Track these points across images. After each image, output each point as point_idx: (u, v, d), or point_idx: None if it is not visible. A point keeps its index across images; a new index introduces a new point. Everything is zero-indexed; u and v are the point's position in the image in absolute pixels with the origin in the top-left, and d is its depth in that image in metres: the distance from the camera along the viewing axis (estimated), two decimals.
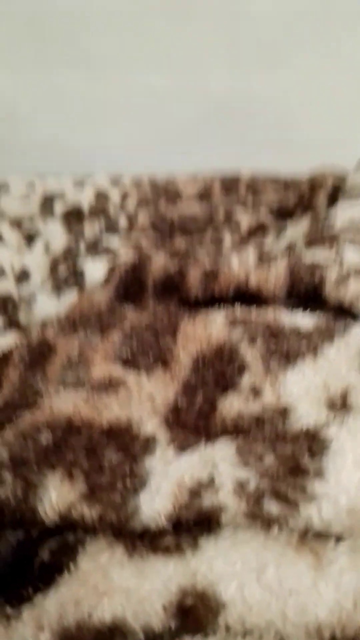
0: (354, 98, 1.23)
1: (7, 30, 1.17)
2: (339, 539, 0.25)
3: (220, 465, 0.27)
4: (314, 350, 0.36)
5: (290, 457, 0.26)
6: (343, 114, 1.23)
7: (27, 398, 0.35)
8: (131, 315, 0.41)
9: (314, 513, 0.25)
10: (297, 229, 0.81)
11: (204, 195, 1.00)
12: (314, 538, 0.25)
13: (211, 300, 0.49)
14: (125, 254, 0.71)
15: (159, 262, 0.52)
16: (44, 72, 1.18)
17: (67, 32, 1.18)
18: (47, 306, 0.66)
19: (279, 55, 1.21)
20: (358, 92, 1.23)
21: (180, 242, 0.85)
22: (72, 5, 1.15)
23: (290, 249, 0.72)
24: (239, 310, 0.42)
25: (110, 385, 0.34)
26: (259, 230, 0.92)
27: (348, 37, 1.20)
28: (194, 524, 0.26)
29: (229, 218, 0.93)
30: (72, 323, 0.41)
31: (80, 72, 1.19)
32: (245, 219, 0.93)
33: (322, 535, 0.25)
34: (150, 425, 0.31)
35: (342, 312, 0.46)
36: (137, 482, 0.27)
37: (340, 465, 0.26)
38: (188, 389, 0.35)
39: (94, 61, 1.19)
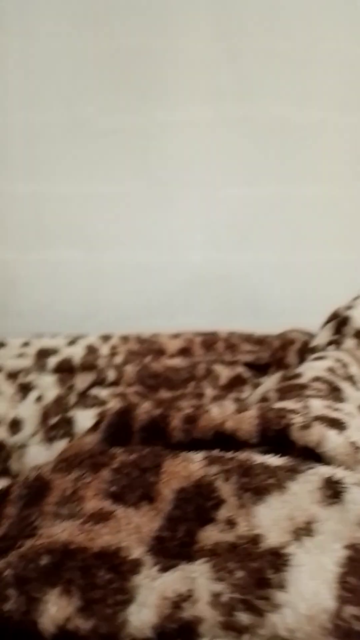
0: (314, 273, 1.41)
1: (13, 211, 1.35)
2: None
3: (198, 580, 0.31)
4: (280, 486, 0.41)
5: (257, 571, 0.31)
6: (306, 287, 1.39)
7: (24, 531, 0.39)
8: (120, 456, 0.46)
9: (279, 620, 0.29)
10: (270, 382, 0.89)
11: (186, 351, 1.10)
12: None
13: (193, 443, 0.54)
14: (114, 403, 0.77)
15: (145, 408, 0.58)
16: (44, 248, 1.35)
17: (65, 215, 1.36)
18: (38, 455, 0.70)
19: (249, 235, 1.40)
20: (317, 268, 1.41)
21: (164, 395, 0.91)
22: (71, 190, 1.35)
23: (264, 400, 0.79)
24: (216, 451, 0.48)
25: (101, 517, 0.39)
26: (237, 383, 1.00)
27: (307, 221, 1.41)
28: (176, 634, 0.29)
29: (209, 372, 1.01)
30: (67, 462, 0.46)
31: (77, 248, 1.36)
32: (224, 373, 1.01)
33: None
34: (137, 551, 0.35)
35: (309, 455, 0.51)
36: (126, 597, 0.30)
37: (298, 577, 0.30)
38: (171, 522, 0.39)
39: (89, 239, 1.36)
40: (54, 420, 0.75)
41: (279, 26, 1.36)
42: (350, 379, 0.80)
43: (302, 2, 1.36)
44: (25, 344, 1.03)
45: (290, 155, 1.41)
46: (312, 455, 0.51)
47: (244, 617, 0.29)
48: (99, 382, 0.90)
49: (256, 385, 0.96)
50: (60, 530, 0.36)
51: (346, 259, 1.41)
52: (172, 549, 0.37)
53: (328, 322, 0.99)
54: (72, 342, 1.04)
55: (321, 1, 1.36)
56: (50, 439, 0.71)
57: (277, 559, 0.32)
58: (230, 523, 0.39)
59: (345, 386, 0.76)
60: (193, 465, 0.44)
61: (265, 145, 1.39)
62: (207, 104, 1.36)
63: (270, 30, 1.36)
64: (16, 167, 1.33)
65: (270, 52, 1.37)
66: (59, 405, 0.80)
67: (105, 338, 1.09)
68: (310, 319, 1.05)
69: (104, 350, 1.04)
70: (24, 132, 1.33)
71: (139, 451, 0.47)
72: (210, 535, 0.38)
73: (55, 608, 0.30)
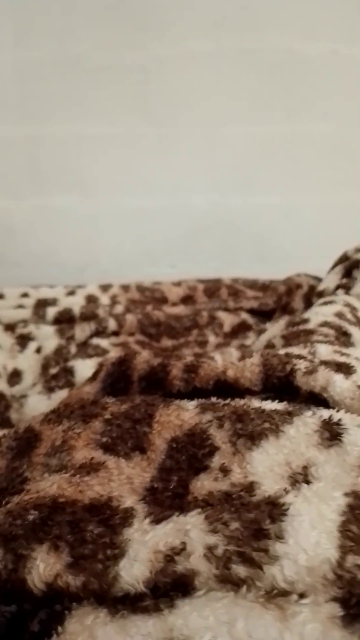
0: (321, 215, 1.36)
1: (6, 156, 1.30)
2: (302, 595, 0.27)
3: (191, 532, 0.29)
4: (276, 430, 0.39)
5: (253, 522, 0.29)
6: (311, 230, 1.35)
7: (14, 483, 0.38)
8: (112, 406, 0.44)
9: (277, 572, 0.27)
10: (275, 329, 0.87)
11: (188, 299, 1.07)
12: (279, 594, 0.27)
13: (193, 392, 0.53)
14: (115, 353, 0.76)
15: (143, 358, 0.57)
16: (40, 194, 1.31)
17: (62, 158, 1.31)
18: (38, 405, 0.69)
19: (253, 177, 1.34)
20: (324, 211, 1.36)
21: (166, 343, 0.90)
22: (66, 132, 1.29)
23: (269, 347, 0.77)
24: (212, 399, 0.46)
25: (91, 468, 0.37)
26: (241, 329, 0.98)
27: (314, 161, 1.35)
28: (170, 588, 0.28)
29: (212, 320, 0.99)
30: (57, 414, 0.44)
31: (74, 194, 1.32)
32: (227, 320, 0.99)
33: (287, 592, 0.27)
34: (129, 501, 0.34)
35: (315, 401, 0.49)
36: (117, 551, 0.29)
37: (297, 528, 0.29)
38: (163, 472, 0.38)
39: (87, 185, 1.31)
40: (54, 370, 0.74)
41: None
42: (359, 323, 0.78)
43: None
44: (24, 295, 1.01)
45: (297, 91, 1.33)
46: (318, 402, 0.50)
47: (240, 570, 0.28)
48: (100, 331, 0.89)
49: (261, 332, 0.94)
50: (49, 484, 0.35)
51: (355, 199, 1.36)
52: (165, 499, 0.36)
53: (336, 265, 0.96)
54: (71, 293, 1.02)
55: None
56: (50, 389, 0.70)
57: (274, 508, 0.30)
58: (224, 470, 0.37)
59: (355, 331, 0.73)
60: (186, 413, 0.42)
61: (271, 80, 1.32)
62: (208, 36, 1.28)
63: None
64: (7, 109, 1.27)
65: None
66: (59, 355, 0.79)
67: (105, 287, 1.06)
68: (318, 263, 1.02)
69: (104, 300, 1.01)
70: (14, 70, 1.25)
71: (131, 401, 0.45)
72: (204, 484, 0.36)
73: (44, 565, 0.29)
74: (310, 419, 0.39)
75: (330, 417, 0.40)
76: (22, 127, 1.28)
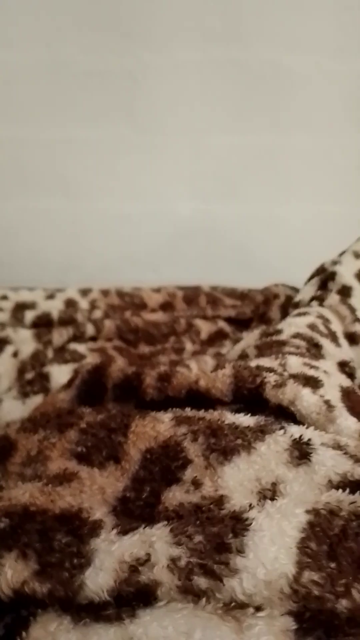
0: (302, 226, 1.38)
1: None
2: (258, 608, 0.28)
3: (156, 544, 0.30)
4: (248, 446, 0.41)
5: (217, 536, 0.30)
6: (292, 240, 1.37)
7: None
8: (88, 415, 0.45)
9: (237, 585, 0.29)
10: (250, 338, 0.88)
11: (167, 305, 1.08)
12: (237, 606, 0.28)
13: (166, 401, 0.54)
14: (92, 358, 0.76)
15: (118, 366, 0.58)
16: (24, 196, 1.31)
17: (47, 161, 1.31)
18: (13, 410, 0.69)
19: (236, 186, 1.36)
20: (305, 221, 1.38)
21: (143, 349, 0.90)
22: (52, 135, 1.30)
23: (243, 356, 0.78)
24: (186, 411, 0.47)
25: (64, 478, 0.38)
26: (217, 337, 0.99)
27: (296, 172, 1.37)
28: (133, 598, 0.29)
29: (189, 327, 1.00)
30: (33, 422, 0.45)
31: (58, 197, 1.32)
32: (205, 328, 1.00)
33: (244, 605, 0.29)
34: (99, 512, 0.35)
35: (283, 413, 0.51)
36: (83, 560, 0.30)
37: (258, 542, 0.30)
38: (136, 483, 0.39)
39: (71, 187, 1.32)
40: (29, 375, 0.75)
41: None
42: (331, 335, 0.79)
43: None
44: (3, 297, 1.01)
45: (281, 103, 1.35)
46: (286, 413, 0.51)
47: (201, 582, 0.29)
48: (78, 336, 0.89)
49: (237, 341, 0.95)
50: (22, 492, 0.36)
51: (336, 211, 1.38)
52: (136, 509, 0.37)
53: (313, 277, 0.98)
54: (50, 296, 1.03)
55: None
56: (25, 394, 0.70)
57: (238, 523, 0.31)
58: (196, 483, 0.38)
59: (326, 343, 0.75)
60: (161, 425, 0.43)
61: (256, 91, 1.34)
62: (195, 45, 1.29)
63: None
64: None
65: None
66: (36, 360, 0.79)
67: (85, 292, 1.07)
68: (298, 273, 1.04)
69: (84, 304, 1.02)
70: (1, 73, 1.25)
71: (108, 411, 0.46)
72: (175, 495, 0.37)
73: (11, 572, 0.30)
74: (281, 437, 0.41)
75: (300, 437, 0.41)
76: (6, 129, 1.28)
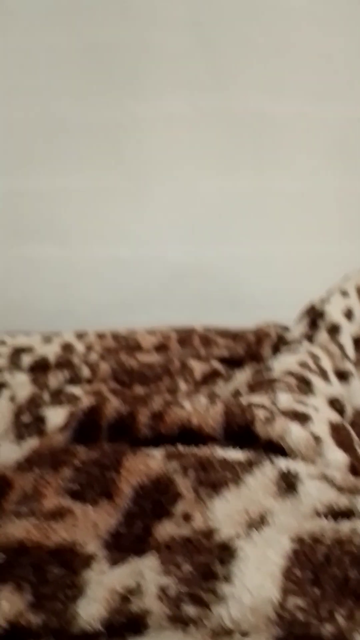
0: (289, 266, 1.42)
1: None
2: (245, 634, 0.29)
3: (146, 574, 0.32)
4: (237, 479, 0.42)
5: (204, 565, 0.32)
6: (280, 279, 1.40)
7: None
8: (81, 453, 0.47)
9: (224, 612, 0.30)
10: (242, 377, 0.90)
11: (162, 347, 1.10)
12: (224, 632, 0.29)
13: (159, 439, 0.55)
14: (86, 400, 0.77)
15: (112, 406, 0.59)
16: (18, 243, 1.35)
17: (40, 209, 1.36)
18: (10, 454, 0.70)
19: (225, 229, 1.41)
20: (292, 261, 1.42)
21: (138, 390, 0.92)
22: (44, 185, 1.34)
23: (235, 394, 0.79)
24: (177, 447, 0.48)
25: (59, 514, 0.39)
26: (211, 377, 1.00)
27: (283, 215, 1.42)
28: (124, 627, 0.30)
29: (183, 367, 1.01)
30: (29, 461, 0.46)
31: (52, 244, 1.36)
32: (198, 368, 1.01)
33: (232, 631, 0.30)
34: (92, 546, 0.36)
35: (272, 448, 0.52)
36: (76, 591, 0.31)
37: (244, 570, 0.31)
38: (128, 517, 0.40)
39: (64, 235, 1.36)
40: (25, 418, 0.75)
41: (254, 17, 1.37)
42: (321, 372, 0.81)
43: None
44: (1, 343, 1.02)
45: (266, 148, 1.41)
46: (276, 448, 0.53)
47: (190, 610, 0.30)
48: (74, 379, 0.91)
49: (229, 379, 0.97)
50: (17, 528, 0.37)
51: (323, 252, 1.42)
52: (127, 543, 0.38)
53: (303, 315, 1.00)
54: (47, 340, 1.04)
55: None
56: (20, 436, 0.71)
57: (224, 552, 0.33)
58: (186, 517, 0.40)
59: (316, 379, 0.77)
60: (153, 461, 0.44)
61: (241, 138, 1.40)
62: (181, 96, 1.36)
63: (246, 22, 1.36)
64: None
65: (245, 44, 1.37)
66: (32, 403, 0.80)
67: (81, 335, 1.09)
68: (286, 311, 1.06)
69: (80, 347, 1.04)
70: (0, 128, 1.32)
71: (100, 449, 0.48)
72: (166, 529, 0.39)
73: (7, 604, 0.31)
74: (269, 470, 0.42)
75: (287, 469, 0.42)
76: (3, 180, 1.33)
